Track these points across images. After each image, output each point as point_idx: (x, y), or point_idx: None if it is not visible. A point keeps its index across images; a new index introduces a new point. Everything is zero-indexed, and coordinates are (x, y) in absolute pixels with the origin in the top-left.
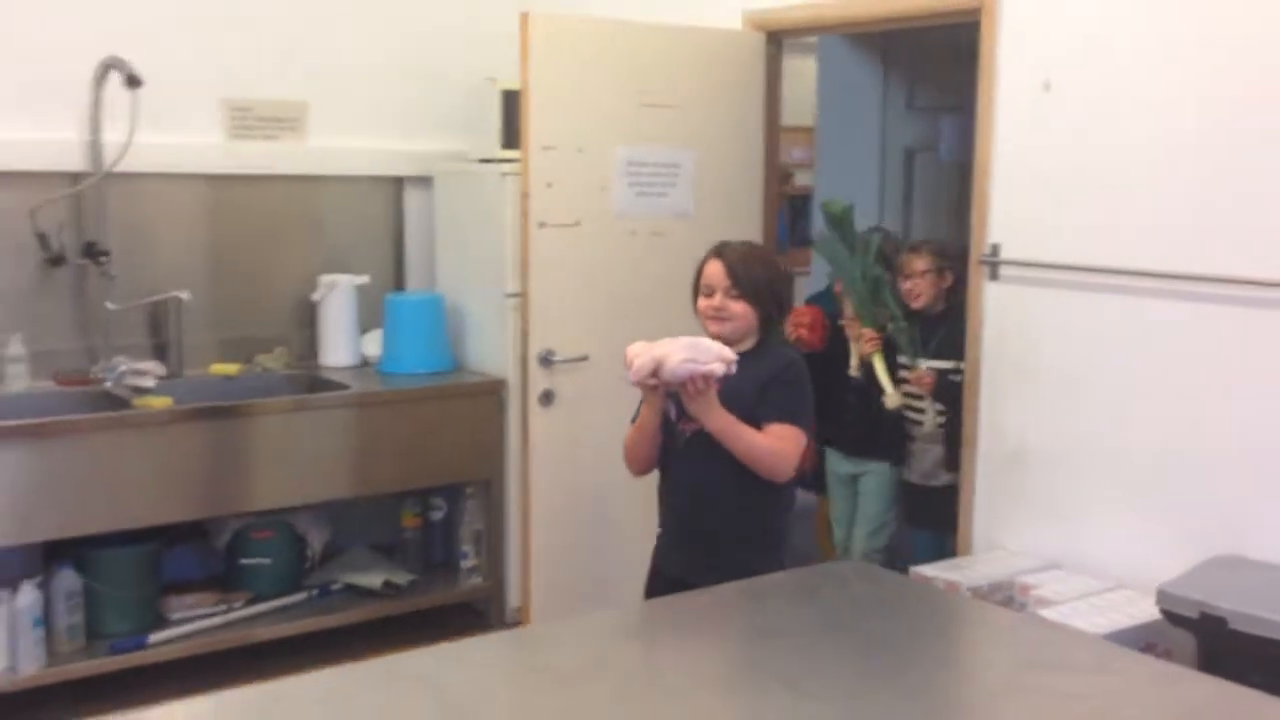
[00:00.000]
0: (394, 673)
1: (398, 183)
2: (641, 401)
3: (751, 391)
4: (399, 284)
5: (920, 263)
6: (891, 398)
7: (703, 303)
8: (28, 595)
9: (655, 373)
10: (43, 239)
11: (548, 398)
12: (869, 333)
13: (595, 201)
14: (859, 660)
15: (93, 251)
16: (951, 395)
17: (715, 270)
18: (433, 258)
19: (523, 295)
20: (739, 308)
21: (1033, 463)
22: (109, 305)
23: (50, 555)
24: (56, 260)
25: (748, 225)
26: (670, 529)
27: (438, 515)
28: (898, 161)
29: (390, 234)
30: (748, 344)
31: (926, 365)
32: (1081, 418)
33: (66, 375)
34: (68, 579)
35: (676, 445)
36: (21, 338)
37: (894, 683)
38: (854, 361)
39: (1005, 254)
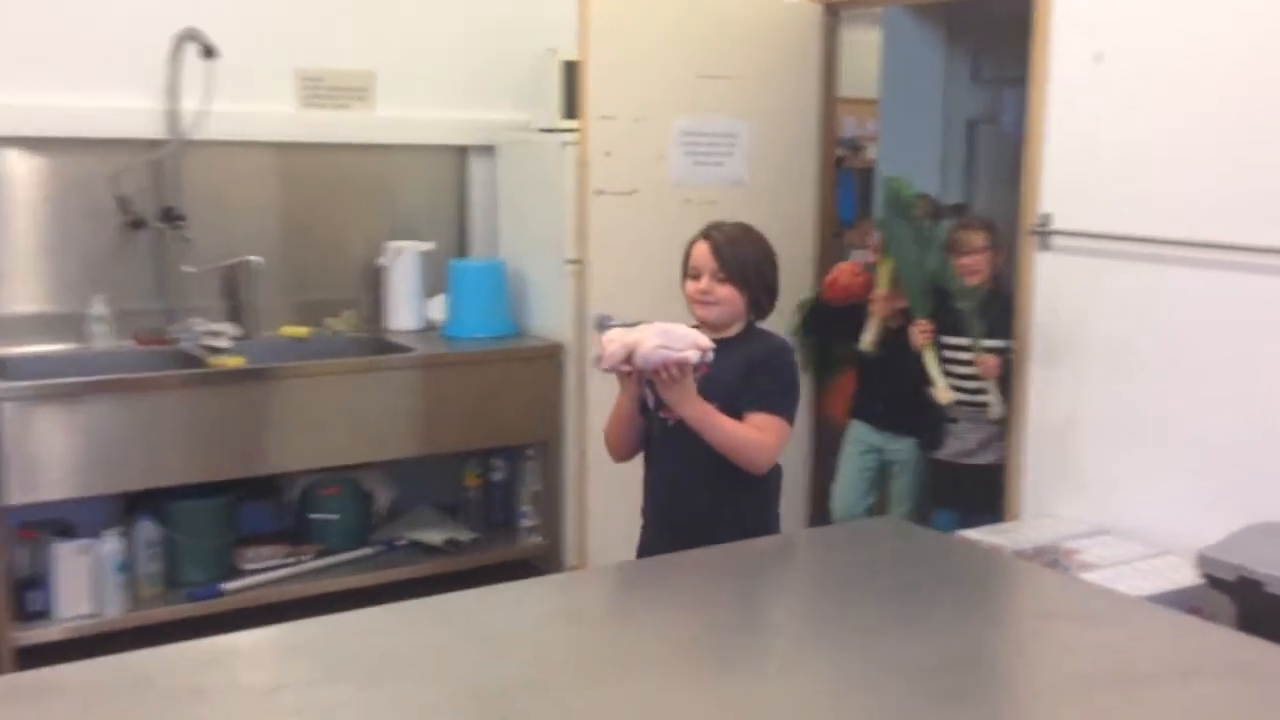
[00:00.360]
0: (433, 611)
1: (462, 152)
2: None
3: (735, 378)
4: (462, 250)
5: (978, 239)
6: (944, 393)
7: (689, 286)
8: (111, 543)
9: (628, 359)
10: (123, 204)
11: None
12: (923, 324)
13: (652, 170)
14: (883, 606)
15: (170, 216)
16: (1009, 375)
17: (703, 252)
18: (495, 225)
19: (581, 261)
20: (726, 292)
21: (1081, 431)
22: (185, 268)
23: (131, 506)
24: (136, 224)
25: (802, 196)
26: (650, 518)
27: (498, 476)
28: (960, 133)
29: (454, 202)
30: (734, 329)
31: (986, 347)
32: (1130, 387)
33: (145, 335)
34: (148, 529)
35: (656, 434)
36: (104, 299)
37: (912, 628)
38: (869, 337)
39: (1056, 224)
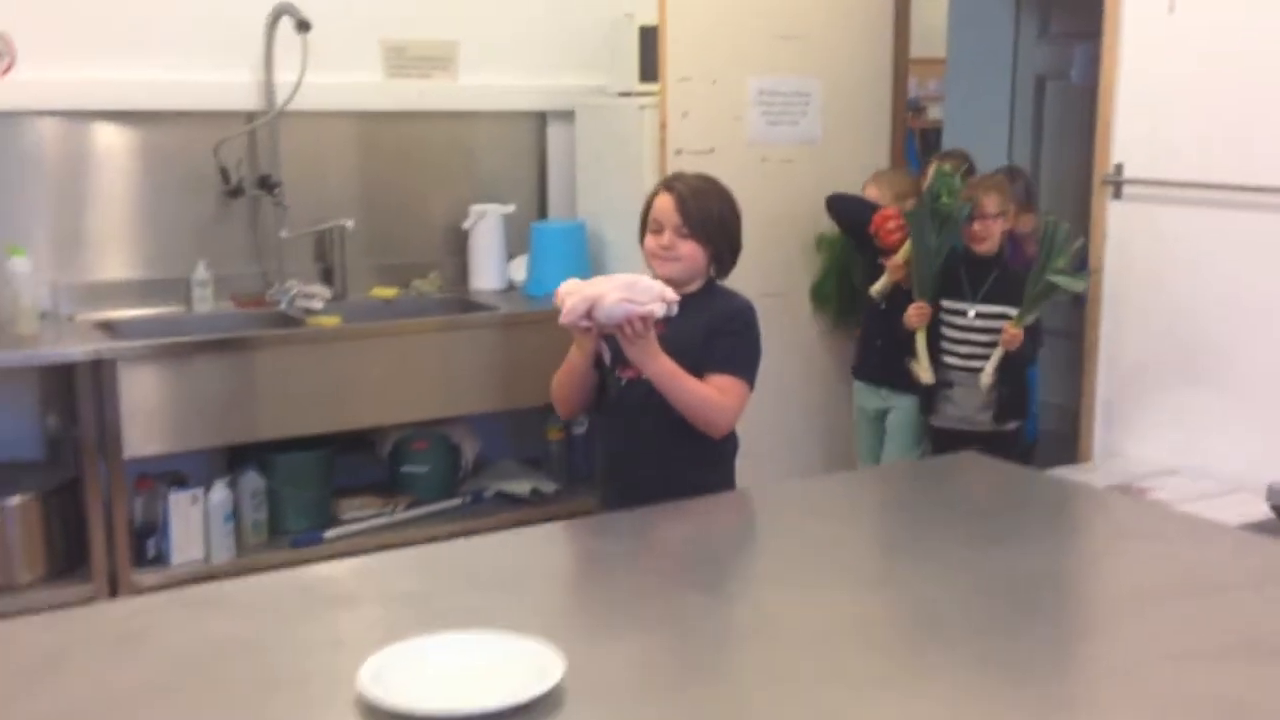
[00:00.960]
0: (552, 535)
1: (541, 117)
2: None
3: (697, 338)
4: (542, 213)
5: (990, 203)
6: (925, 373)
7: (650, 241)
8: (219, 493)
9: (589, 313)
10: (224, 173)
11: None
12: (922, 306)
13: (728, 130)
14: (962, 529)
15: (267, 184)
16: (1027, 348)
17: (665, 205)
18: (574, 187)
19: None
20: (688, 248)
21: (1151, 374)
22: (282, 234)
23: (236, 459)
24: (235, 192)
25: (875, 153)
26: (605, 478)
27: (579, 430)
28: (1028, 90)
29: (534, 166)
30: (695, 286)
31: (997, 319)
32: (1199, 329)
33: (244, 298)
34: (252, 480)
35: (611, 392)
36: (205, 264)
37: (990, 549)
38: (878, 287)
39: (1128, 173)
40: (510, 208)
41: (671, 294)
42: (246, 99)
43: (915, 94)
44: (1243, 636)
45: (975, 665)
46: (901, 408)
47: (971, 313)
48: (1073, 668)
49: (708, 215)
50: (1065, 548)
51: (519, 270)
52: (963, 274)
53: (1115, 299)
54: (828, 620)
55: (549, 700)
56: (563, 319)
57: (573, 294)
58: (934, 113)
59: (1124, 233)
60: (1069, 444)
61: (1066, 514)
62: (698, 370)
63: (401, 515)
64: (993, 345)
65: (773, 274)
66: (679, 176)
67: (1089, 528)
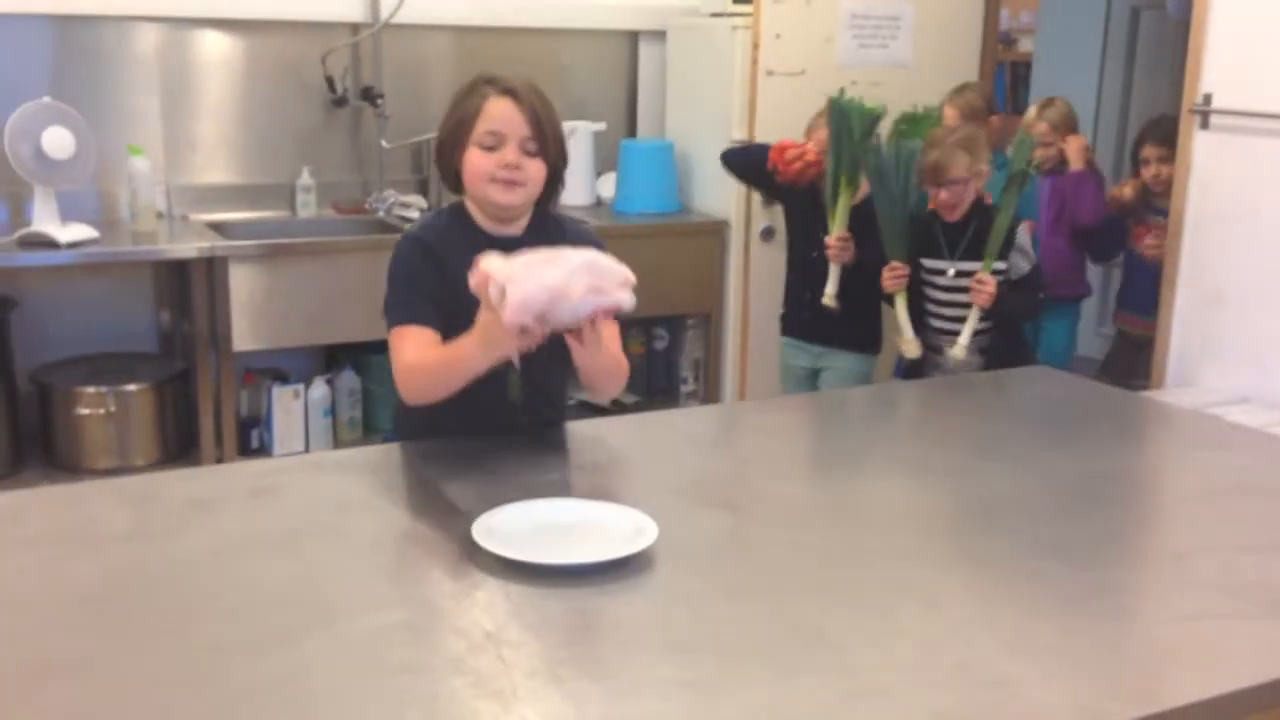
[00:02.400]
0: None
1: (633, 36)
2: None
3: None
4: (632, 131)
5: (958, 166)
6: (910, 345)
7: (482, 159)
8: (319, 389)
9: (539, 313)
10: (330, 82)
11: (768, 234)
12: (898, 267)
13: (820, 52)
14: (1034, 433)
15: (370, 95)
16: (1005, 305)
17: (507, 112)
18: (663, 107)
19: (749, 141)
20: (535, 168)
21: (1229, 303)
22: (382, 144)
23: (334, 358)
24: (340, 102)
25: (965, 79)
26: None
27: (660, 344)
28: (1124, 21)
29: (625, 84)
30: (525, 218)
31: (963, 269)
32: (1276, 259)
33: (345, 205)
34: (349, 379)
35: (505, 387)
36: (310, 170)
37: (1060, 450)
38: (831, 289)
39: (1217, 103)
40: (601, 125)
41: (630, 274)
42: (352, 10)
43: (1007, 25)
44: None
45: (1034, 550)
46: (837, 367)
47: (951, 271)
48: (1127, 554)
49: (556, 125)
50: (1128, 452)
51: (607, 187)
52: (939, 229)
53: (1197, 230)
54: (899, 506)
55: (642, 558)
56: (510, 318)
57: (515, 281)
58: (1025, 45)
59: (1209, 163)
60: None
61: (1132, 423)
62: None
63: None
64: (998, 310)
65: None
66: (498, 79)
67: (1153, 436)
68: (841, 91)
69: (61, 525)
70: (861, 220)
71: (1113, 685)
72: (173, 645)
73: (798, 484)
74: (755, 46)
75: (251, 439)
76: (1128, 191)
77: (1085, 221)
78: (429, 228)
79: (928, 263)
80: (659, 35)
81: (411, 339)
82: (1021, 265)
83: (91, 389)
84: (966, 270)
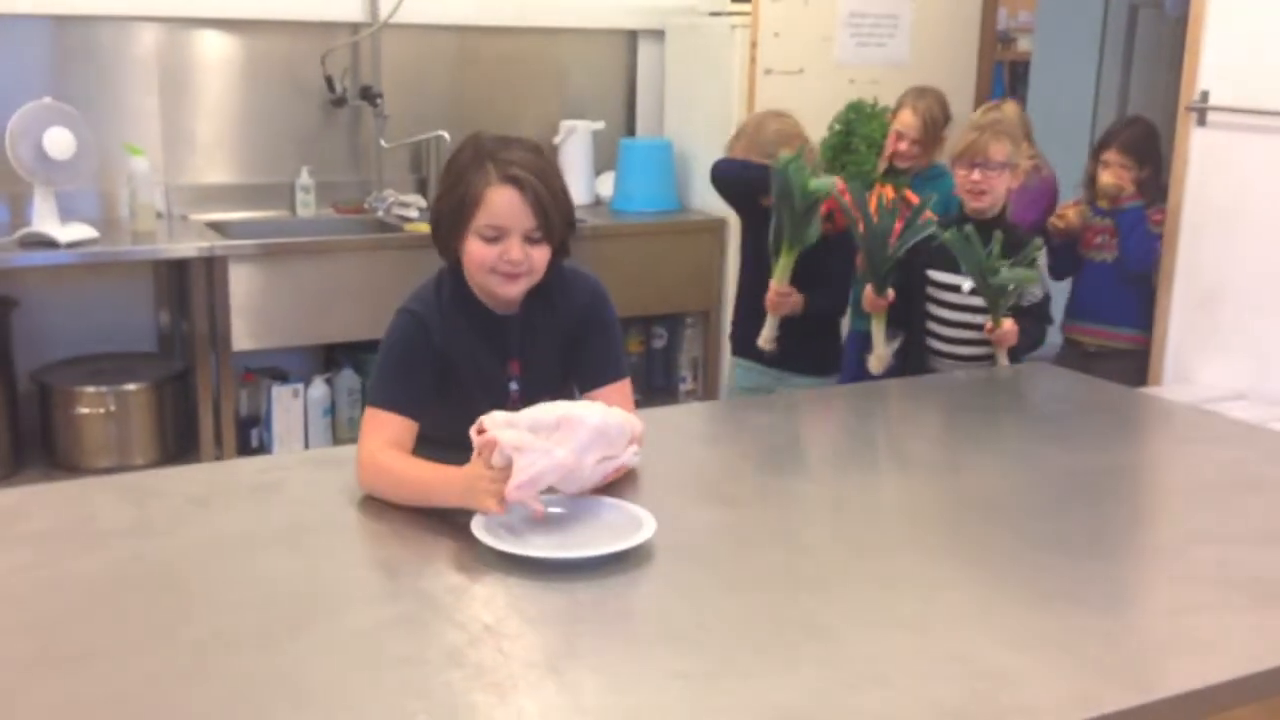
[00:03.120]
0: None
1: (632, 35)
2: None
3: (557, 342)
4: (630, 130)
5: (999, 151)
6: (877, 361)
7: (483, 251)
8: (318, 389)
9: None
10: (329, 82)
11: None
12: (879, 300)
13: (818, 51)
14: (1035, 429)
15: (369, 95)
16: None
17: (511, 205)
18: (662, 106)
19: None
20: (541, 255)
21: (1226, 301)
22: (381, 143)
23: (333, 358)
24: (339, 102)
25: (962, 80)
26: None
27: (659, 343)
28: (1121, 19)
29: (624, 83)
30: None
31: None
32: (1273, 257)
33: (344, 204)
34: (348, 378)
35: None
36: (309, 170)
37: (1060, 445)
38: (767, 333)
39: (1214, 101)
40: (599, 124)
41: (640, 425)
42: (352, 10)
43: (1005, 25)
44: None
45: (1031, 543)
46: (793, 389)
47: (966, 287)
48: (1123, 547)
49: (563, 203)
50: (1124, 447)
51: (606, 186)
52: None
53: (1193, 227)
54: (896, 500)
55: (641, 552)
56: (515, 496)
57: (524, 454)
58: (1024, 44)
59: (1205, 160)
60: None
61: (1129, 420)
62: (567, 380)
63: None
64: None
65: None
66: (503, 152)
67: (1150, 431)
68: (787, 155)
69: (62, 522)
70: (812, 265)
71: (1108, 675)
72: (174, 639)
73: (795, 479)
74: (753, 45)
75: (251, 438)
76: (1071, 216)
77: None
78: (428, 303)
79: (938, 275)
80: (658, 34)
81: (386, 429)
82: (1034, 291)
83: (91, 389)
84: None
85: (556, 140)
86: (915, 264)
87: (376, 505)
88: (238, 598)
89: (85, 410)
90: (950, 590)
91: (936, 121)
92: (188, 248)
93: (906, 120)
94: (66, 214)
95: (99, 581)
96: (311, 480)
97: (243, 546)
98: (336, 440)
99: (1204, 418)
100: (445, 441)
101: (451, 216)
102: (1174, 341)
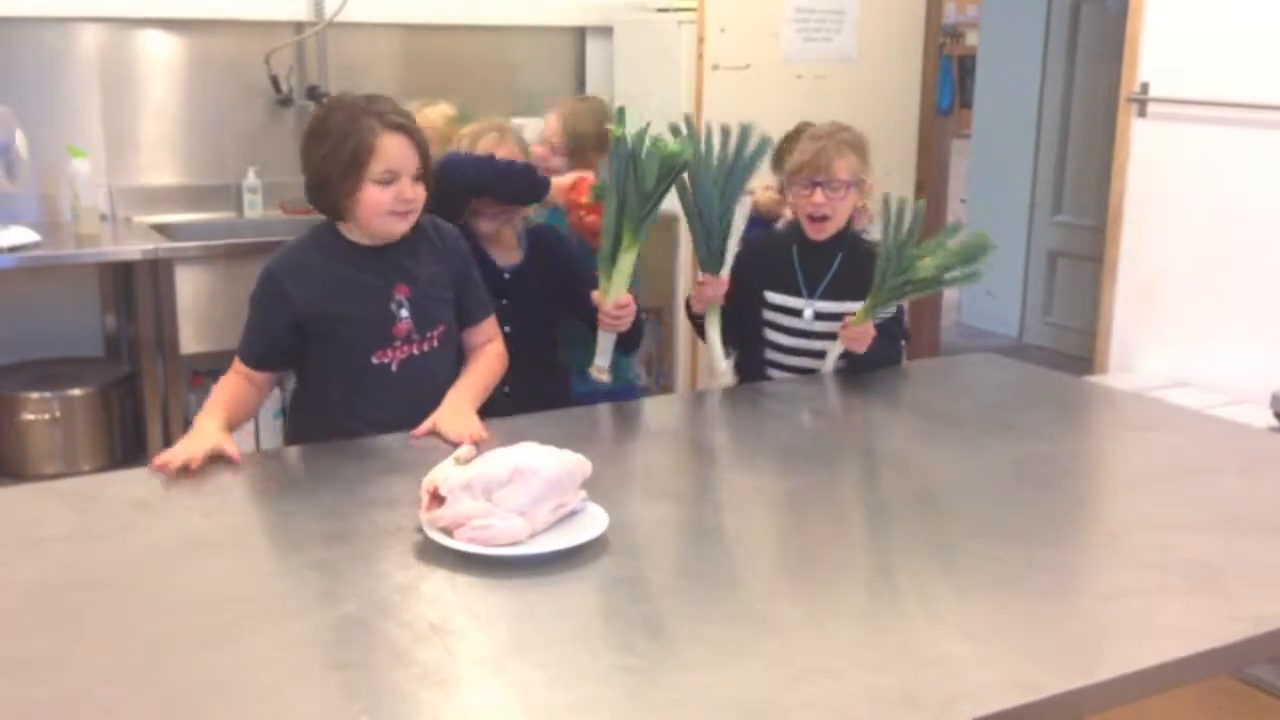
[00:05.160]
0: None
1: (580, 32)
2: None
3: (444, 284)
4: None
5: (844, 168)
6: (722, 366)
7: (381, 195)
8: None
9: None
10: (275, 82)
11: None
12: (710, 282)
13: (765, 46)
14: (977, 417)
15: (315, 94)
16: (879, 352)
17: (402, 148)
18: (612, 102)
19: (695, 136)
20: (423, 192)
21: (1167, 290)
22: None
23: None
24: (285, 101)
25: (908, 73)
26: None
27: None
28: (1065, 14)
29: (573, 81)
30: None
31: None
32: (1217, 247)
33: (292, 205)
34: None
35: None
36: (255, 170)
37: (1001, 434)
38: (601, 361)
39: (1154, 92)
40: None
41: (589, 467)
42: (296, 9)
43: (953, 19)
44: (1225, 512)
45: (975, 531)
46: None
47: (808, 312)
48: (1066, 534)
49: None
50: (1070, 435)
51: None
52: (795, 257)
53: (1135, 218)
54: (845, 493)
55: (592, 548)
56: (461, 535)
57: (482, 518)
58: (972, 39)
59: (1146, 151)
60: (1087, 368)
61: (1074, 408)
62: (449, 319)
63: None
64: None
65: None
66: (376, 105)
67: (1095, 419)
68: (622, 116)
69: (3, 527)
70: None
71: (1050, 660)
72: (118, 643)
73: (746, 473)
74: (700, 41)
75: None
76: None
77: None
78: (290, 261)
79: (776, 298)
80: (606, 31)
81: (232, 370)
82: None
83: (36, 395)
84: (829, 313)
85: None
86: (749, 283)
87: (322, 506)
88: (181, 602)
89: (30, 416)
90: (896, 579)
91: (582, 137)
92: (132, 250)
93: (551, 124)
94: (6, 217)
95: (39, 587)
96: (258, 482)
97: (186, 550)
98: (288, 442)
99: (1147, 405)
100: (338, 371)
101: (344, 171)
102: (1118, 330)
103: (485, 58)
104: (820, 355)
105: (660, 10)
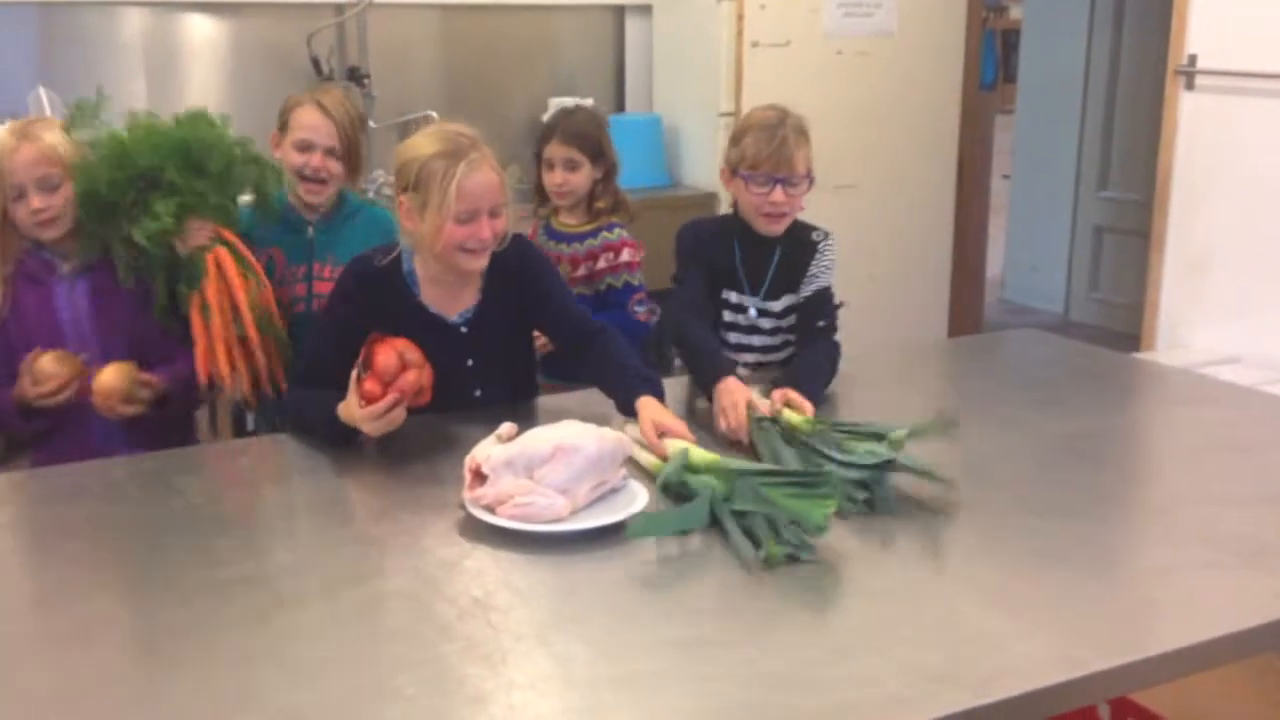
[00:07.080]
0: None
1: (619, 10)
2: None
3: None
4: (620, 106)
5: (802, 160)
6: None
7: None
8: None
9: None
10: (315, 63)
11: None
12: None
13: (805, 22)
14: (1027, 394)
15: (356, 75)
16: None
17: (315, 120)
18: (651, 81)
19: (734, 114)
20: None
21: (1216, 265)
22: (370, 124)
23: None
24: (326, 82)
25: (950, 49)
26: None
27: (652, 318)
28: None
29: (612, 59)
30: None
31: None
32: (1265, 221)
33: None
34: None
35: None
36: None
37: (1051, 409)
38: None
39: (1202, 64)
40: (588, 101)
41: (632, 447)
42: None
43: None
44: (1269, 488)
45: (1018, 507)
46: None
47: (752, 310)
48: (1110, 509)
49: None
50: (1116, 412)
51: None
52: (736, 252)
53: (1183, 192)
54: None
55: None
56: (503, 511)
57: (529, 495)
58: (1015, 13)
59: (1194, 125)
60: (1134, 345)
61: (1120, 384)
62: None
63: None
64: (787, 348)
65: (847, 166)
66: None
67: (1142, 396)
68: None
69: (74, 498)
70: None
71: (1093, 636)
72: (169, 615)
73: None
74: (740, 18)
75: (246, 422)
76: None
77: None
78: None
79: (728, 295)
80: (645, 9)
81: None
82: (818, 277)
83: None
84: (770, 310)
85: (545, 117)
86: (698, 271)
87: (369, 484)
88: (235, 575)
89: None
90: (938, 555)
91: (353, 125)
92: None
93: (313, 120)
94: None
95: (92, 556)
96: (306, 460)
97: (238, 524)
98: None
99: (1195, 382)
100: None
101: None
102: (1165, 306)
103: (525, 37)
104: (767, 350)
105: None
